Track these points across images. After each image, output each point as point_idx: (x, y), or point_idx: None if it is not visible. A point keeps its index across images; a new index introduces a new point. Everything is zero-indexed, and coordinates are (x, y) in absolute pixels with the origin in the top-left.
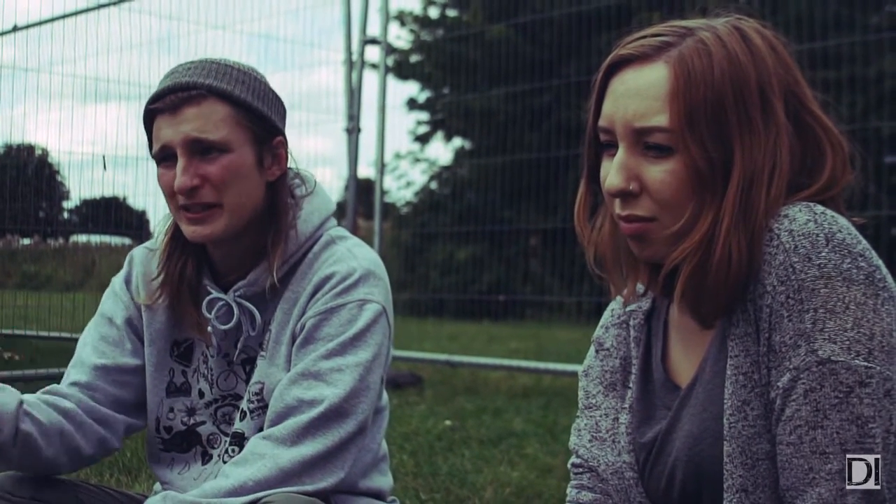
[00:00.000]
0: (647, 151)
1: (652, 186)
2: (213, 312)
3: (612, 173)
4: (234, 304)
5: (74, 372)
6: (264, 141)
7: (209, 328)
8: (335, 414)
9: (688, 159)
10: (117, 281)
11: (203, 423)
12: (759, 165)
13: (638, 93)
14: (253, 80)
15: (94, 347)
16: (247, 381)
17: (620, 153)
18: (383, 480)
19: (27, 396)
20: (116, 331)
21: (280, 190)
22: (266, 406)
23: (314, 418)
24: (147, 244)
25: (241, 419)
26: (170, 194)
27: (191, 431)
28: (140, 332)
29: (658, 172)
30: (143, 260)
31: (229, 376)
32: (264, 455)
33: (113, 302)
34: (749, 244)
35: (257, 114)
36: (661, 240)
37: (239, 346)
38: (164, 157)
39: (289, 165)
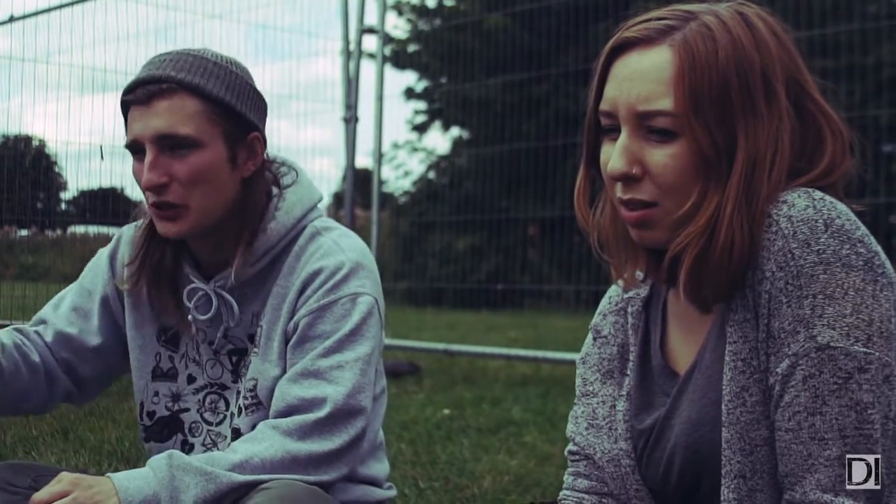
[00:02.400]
0: (649, 135)
1: (655, 170)
2: (192, 302)
3: (614, 157)
4: (213, 295)
5: (41, 327)
6: (238, 137)
7: (189, 317)
8: (343, 413)
9: (692, 143)
10: (104, 254)
11: (187, 409)
12: (762, 150)
13: (642, 76)
14: (228, 74)
15: (65, 314)
16: (232, 372)
17: (623, 137)
18: (380, 468)
19: (1, 334)
20: (91, 305)
21: (254, 186)
22: (260, 403)
23: (322, 418)
24: (137, 223)
25: (238, 414)
26: (142, 186)
27: (174, 417)
28: (113, 312)
29: (661, 156)
30: (131, 240)
31: (215, 365)
32: (273, 438)
33: (94, 275)
34: (751, 228)
35: (230, 109)
36: (664, 225)
37: (219, 335)
38: (136, 149)
39: (274, 155)
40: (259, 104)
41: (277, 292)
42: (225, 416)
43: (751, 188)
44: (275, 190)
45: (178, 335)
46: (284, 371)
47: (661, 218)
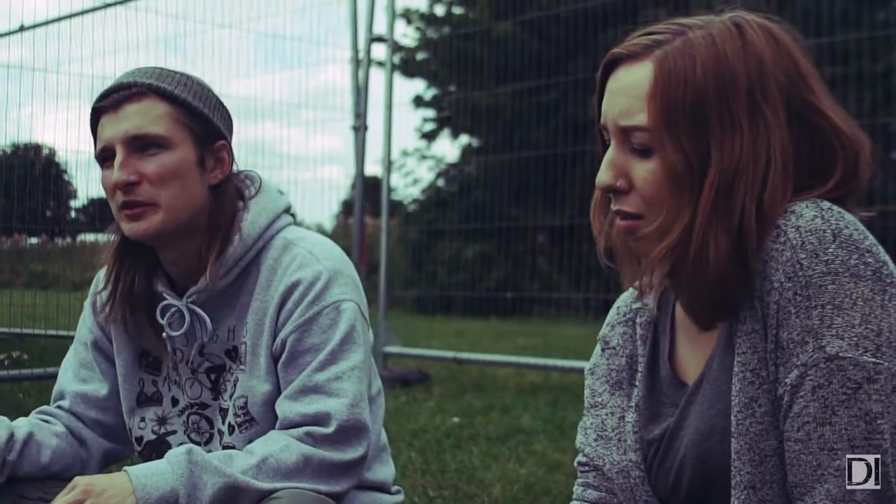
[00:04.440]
0: (634, 150)
1: (637, 184)
2: (165, 318)
3: (601, 170)
4: (185, 311)
5: (62, 401)
6: (206, 142)
7: (164, 334)
8: (348, 426)
9: (664, 159)
10: (87, 304)
11: (174, 432)
12: (743, 164)
13: (624, 91)
14: (196, 85)
15: (74, 374)
16: (212, 390)
17: (610, 150)
18: (386, 471)
19: (21, 423)
20: (89, 356)
21: (223, 196)
22: (253, 419)
23: (329, 434)
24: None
25: (231, 433)
26: (111, 194)
27: (161, 441)
28: (107, 353)
29: (642, 171)
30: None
31: (194, 384)
32: (288, 440)
33: (83, 327)
34: (731, 243)
35: (197, 113)
36: (650, 237)
37: (194, 352)
38: (105, 157)
39: (234, 169)
40: (225, 116)
41: (258, 307)
42: (211, 435)
43: (728, 203)
44: (240, 204)
45: (160, 358)
46: (275, 386)
47: (646, 229)
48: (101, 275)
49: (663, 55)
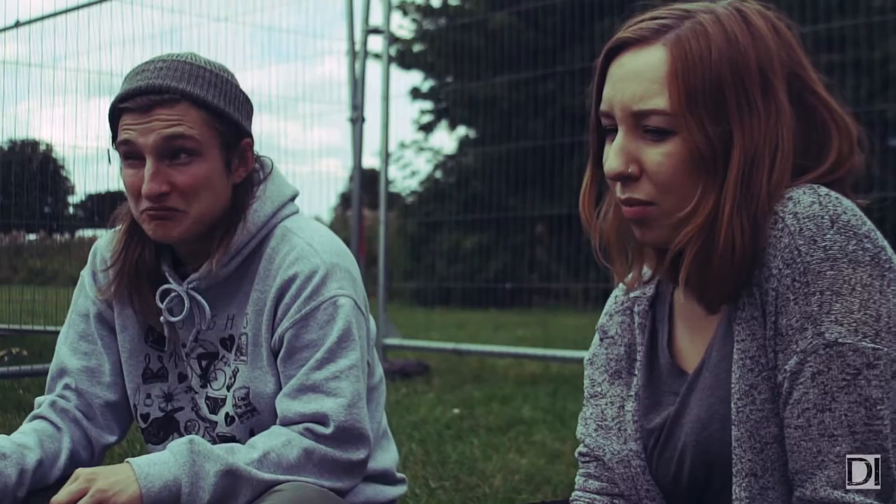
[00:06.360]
0: (645, 135)
1: (650, 169)
2: (164, 303)
3: (610, 157)
4: (185, 296)
5: (62, 380)
6: (233, 145)
7: (161, 318)
8: (346, 427)
9: (687, 141)
10: (85, 275)
11: (181, 408)
12: (760, 147)
13: (636, 76)
14: (224, 83)
15: (73, 348)
16: (201, 377)
17: (619, 136)
18: (388, 458)
19: (30, 444)
20: (90, 328)
21: (243, 191)
22: (254, 410)
23: (327, 435)
24: (108, 235)
25: (230, 423)
26: (135, 196)
27: (169, 418)
28: (110, 324)
29: (657, 155)
30: (108, 246)
31: (186, 368)
32: (290, 435)
33: (83, 298)
34: (752, 227)
35: (229, 119)
36: (662, 224)
37: (190, 338)
38: (129, 154)
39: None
40: (248, 109)
41: (257, 297)
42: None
43: (749, 186)
44: (255, 190)
45: (164, 334)
46: (278, 377)
47: (659, 216)
48: (98, 246)
49: (676, 38)
